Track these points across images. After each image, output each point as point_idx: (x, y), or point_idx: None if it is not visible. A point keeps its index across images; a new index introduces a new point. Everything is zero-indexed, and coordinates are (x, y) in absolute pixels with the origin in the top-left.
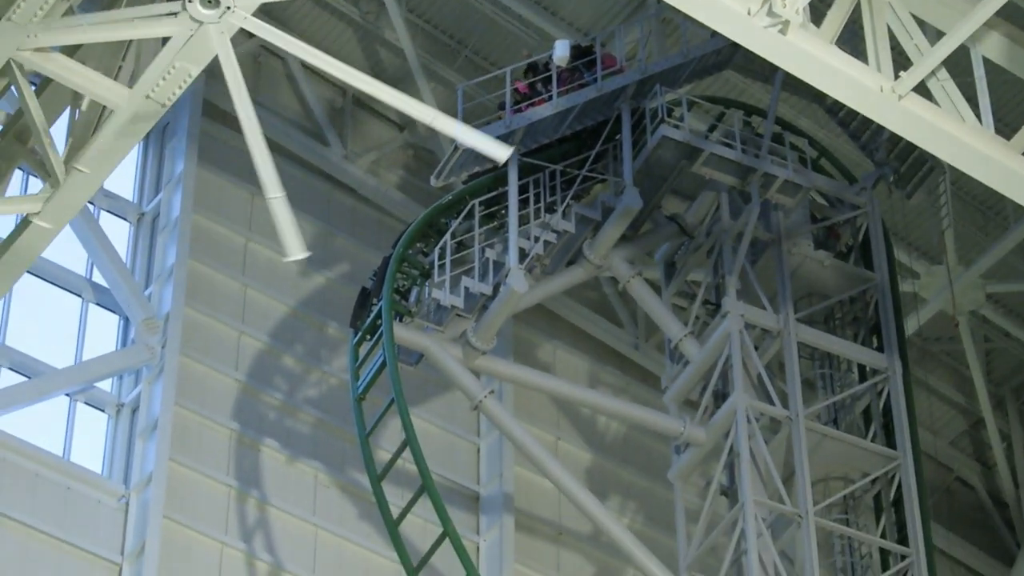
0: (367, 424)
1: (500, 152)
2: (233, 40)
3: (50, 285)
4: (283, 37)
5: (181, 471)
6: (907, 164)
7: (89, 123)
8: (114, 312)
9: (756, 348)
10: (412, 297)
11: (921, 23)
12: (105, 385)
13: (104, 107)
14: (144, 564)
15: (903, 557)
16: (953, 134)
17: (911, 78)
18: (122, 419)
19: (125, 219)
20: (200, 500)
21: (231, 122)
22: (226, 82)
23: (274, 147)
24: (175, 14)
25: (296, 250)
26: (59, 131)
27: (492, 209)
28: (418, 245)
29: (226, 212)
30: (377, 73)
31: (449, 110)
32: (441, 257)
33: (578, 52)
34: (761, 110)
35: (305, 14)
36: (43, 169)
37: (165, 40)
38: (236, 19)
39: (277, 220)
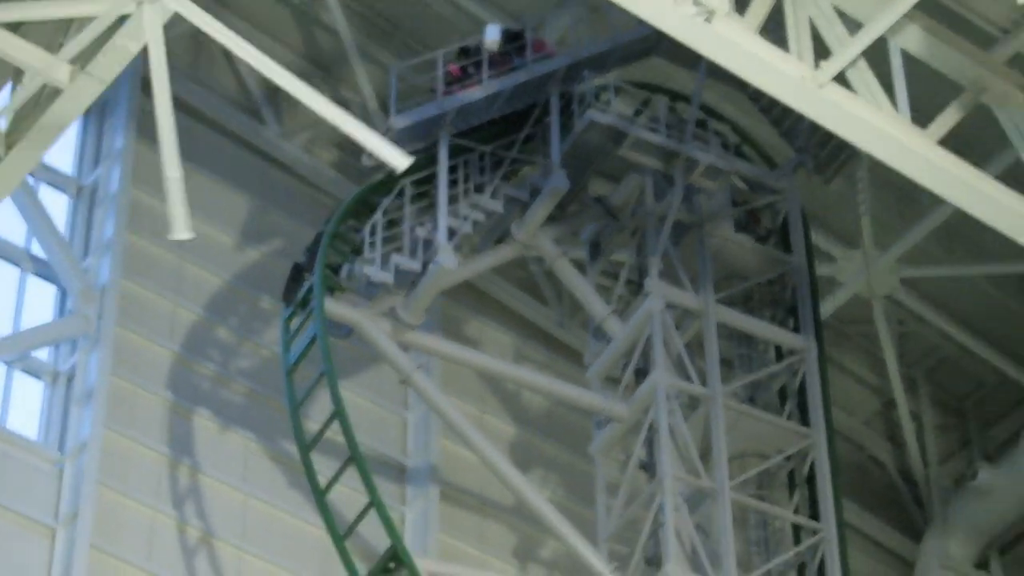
0: (298, 396)
1: (398, 161)
2: (175, 18)
3: None
4: (212, 26)
5: (115, 439)
6: (826, 151)
7: (30, 98)
8: (52, 283)
9: (677, 327)
10: (343, 273)
11: (842, 14)
12: (42, 354)
13: (45, 83)
14: (78, 529)
15: (815, 532)
16: (871, 123)
17: (831, 67)
18: (58, 387)
19: (64, 192)
20: (134, 467)
21: (177, 101)
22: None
23: (211, 124)
24: None
25: (182, 230)
26: None
27: (423, 188)
28: (350, 222)
29: (163, 187)
30: (314, 54)
31: (384, 90)
32: (372, 234)
33: (509, 36)
34: (686, 96)
35: None
36: None
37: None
38: (171, 2)
39: (169, 198)
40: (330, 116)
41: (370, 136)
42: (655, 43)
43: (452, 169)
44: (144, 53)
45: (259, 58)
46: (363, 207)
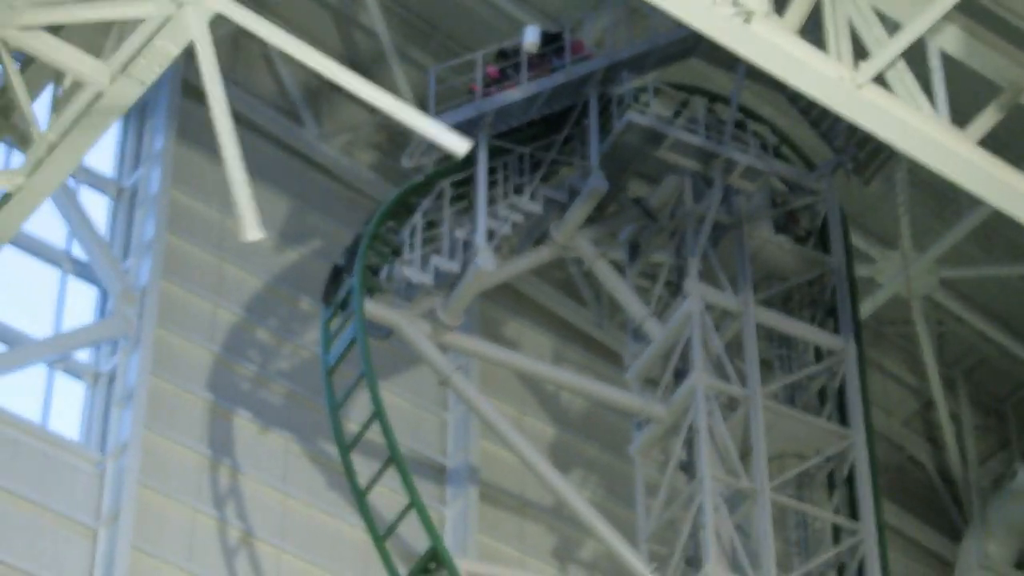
0: (337, 397)
1: (459, 145)
2: (215, 21)
3: (30, 257)
4: (259, 24)
5: (156, 439)
6: (865, 152)
7: (71, 100)
8: (92, 284)
9: (716, 328)
10: (383, 274)
11: (881, 15)
12: (83, 355)
13: (86, 84)
14: (119, 529)
15: (854, 533)
16: (909, 123)
17: (870, 68)
18: (99, 388)
19: (104, 193)
20: (174, 468)
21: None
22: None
23: (250, 126)
24: None
25: (254, 231)
26: (42, 107)
27: (462, 190)
28: (390, 224)
29: (203, 188)
30: (352, 56)
31: (422, 92)
32: (411, 236)
33: (548, 39)
34: (724, 97)
35: None
36: (25, 144)
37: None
38: (213, 2)
39: (238, 201)
40: (384, 105)
41: (427, 123)
42: (693, 44)
43: (491, 171)
44: (183, 54)
45: (307, 53)
46: (402, 209)
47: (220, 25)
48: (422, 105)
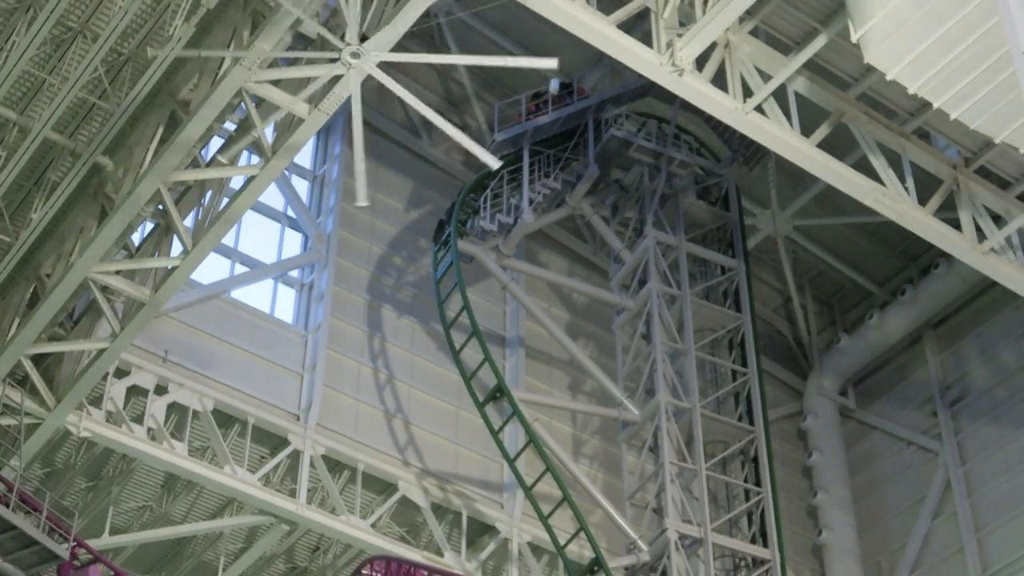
0: (442, 296)
1: (492, 161)
2: (367, 78)
3: (263, 216)
4: (392, 82)
5: (337, 322)
6: (750, 151)
7: (286, 123)
8: (299, 232)
9: (663, 255)
10: (468, 224)
11: (759, 70)
12: (294, 273)
13: (294, 115)
14: (316, 374)
15: (758, 494)
16: (777, 135)
17: (753, 101)
18: (303, 293)
19: (305, 179)
20: (347, 339)
21: (364, 124)
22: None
23: (389, 138)
24: (335, 60)
25: (363, 199)
26: (268, 129)
27: (513, 175)
28: (471, 196)
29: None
30: (449, 96)
31: (491, 118)
32: (485, 202)
33: (564, 86)
34: (667, 120)
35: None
36: (260, 150)
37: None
38: (366, 68)
39: (357, 181)
40: (454, 135)
41: (474, 145)
42: (649, 88)
43: (531, 164)
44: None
45: (417, 103)
46: (479, 187)
47: (371, 79)
48: (490, 126)
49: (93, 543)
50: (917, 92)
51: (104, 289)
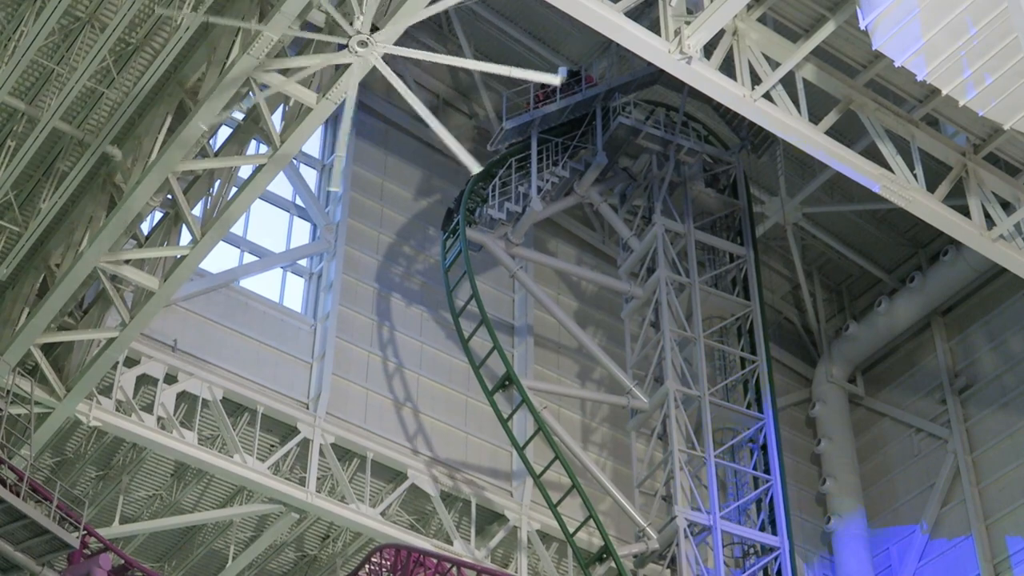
0: (451, 285)
1: (473, 165)
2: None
3: (271, 205)
4: (394, 78)
5: (346, 311)
6: (758, 138)
7: (294, 112)
8: (308, 221)
9: (671, 244)
10: (476, 213)
11: (767, 57)
12: (303, 262)
13: (302, 104)
14: (325, 363)
15: (767, 481)
16: (785, 122)
17: (761, 89)
18: (312, 282)
19: (313, 168)
20: (356, 327)
21: (373, 113)
22: (368, 86)
23: (397, 127)
24: (343, 48)
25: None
26: (276, 117)
27: (522, 163)
28: (480, 184)
29: (372, 166)
30: (458, 86)
31: (499, 106)
32: (493, 190)
33: (572, 75)
34: (675, 108)
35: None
36: (268, 139)
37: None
38: (372, 60)
39: (334, 167)
40: (442, 134)
41: (457, 146)
42: (658, 76)
43: (539, 152)
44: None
45: (415, 100)
46: (487, 175)
47: (376, 71)
48: (499, 114)
49: (103, 532)
50: (926, 79)
51: (113, 278)
